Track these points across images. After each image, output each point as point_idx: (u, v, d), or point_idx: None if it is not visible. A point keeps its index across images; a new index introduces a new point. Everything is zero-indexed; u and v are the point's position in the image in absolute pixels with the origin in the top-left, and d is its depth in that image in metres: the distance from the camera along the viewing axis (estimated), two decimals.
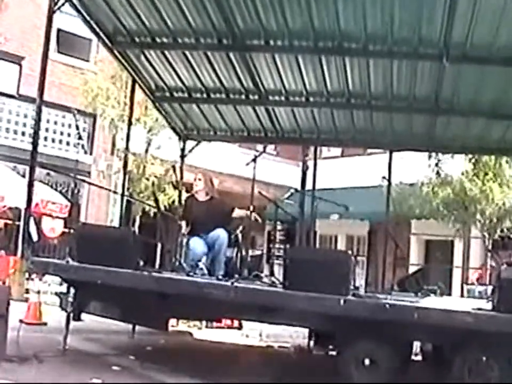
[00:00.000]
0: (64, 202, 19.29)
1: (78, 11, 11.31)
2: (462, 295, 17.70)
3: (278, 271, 10.88)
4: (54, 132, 23.01)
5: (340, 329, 8.73)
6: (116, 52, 12.82)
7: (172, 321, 12.73)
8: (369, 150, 24.22)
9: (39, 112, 10.33)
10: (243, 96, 14.10)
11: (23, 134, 21.98)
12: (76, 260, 9.52)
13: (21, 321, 11.23)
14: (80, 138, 22.67)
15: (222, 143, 19.15)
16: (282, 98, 13.92)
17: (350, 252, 11.70)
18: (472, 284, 19.22)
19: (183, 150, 16.12)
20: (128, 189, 17.75)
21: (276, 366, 10.97)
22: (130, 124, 14.27)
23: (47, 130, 22.41)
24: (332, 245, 29.04)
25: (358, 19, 10.48)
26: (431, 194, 20.85)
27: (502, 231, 20.73)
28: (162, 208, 19.16)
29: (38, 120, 10.42)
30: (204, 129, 15.97)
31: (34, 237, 15.98)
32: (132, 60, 13.14)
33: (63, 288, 10.80)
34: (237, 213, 11.60)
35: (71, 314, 9.75)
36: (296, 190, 17.15)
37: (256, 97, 13.98)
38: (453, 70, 11.72)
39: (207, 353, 12.12)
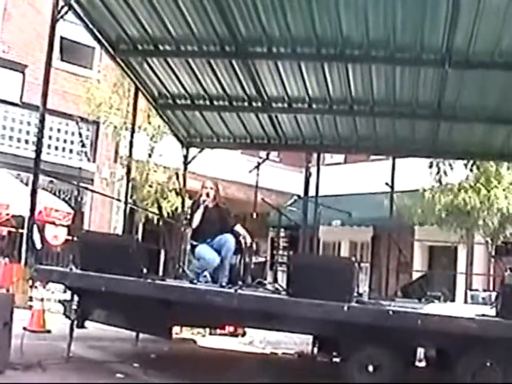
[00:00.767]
0: (68, 210, 19.30)
1: (81, 19, 11.33)
2: (465, 301, 17.65)
3: (282, 278, 10.89)
4: (57, 140, 23.04)
5: (343, 336, 8.73)
6: (118, 59, 12.84)
7: (176, 329, 12.71)
8: (372, 157, 24.21)
9: (42, 120, 10.33)
10: (246, 103, 14.11)
11: (26, 142, 22.02)
12: (79, 268, 9.53)
13: (24, 328, 11.25)
14: (83, 146, 22.72)
15: (225, 150, 19.16)
16: (285, 105, 13.93)
17: (353, 258, 11.71)
18: (476, 290, 19.18)
19: (186, 157, 16.13)
20: (131, 196, 17.76)
21: (279, 373, 10.95)
22: (133, 131, 14.28)
23: (50, 138, 22.45)
24: (335, 252, 29.02)
25: (360, 25, 10.50)
26: (433, 201, 20.82)
27: (505, 237, 20.69)
28: (165, 215, 19.21)
29: (41, 128, 10.43)
30: (206, 136, 15.98)
31: (38, 245, 15.98)
32: (135, 68, 13.16)
33: (67, 296, 10.81)
34: (237, 230, 11.56)
35: (75, 322, 9.75)
36: (299, 196, 17.16)
37: (259, 104, 13.99)
38: (455, 75, 11.73)
39: (211, 360, 12.11)
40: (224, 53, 11.96)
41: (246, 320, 9.85)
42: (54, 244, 19.22)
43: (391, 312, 8.27)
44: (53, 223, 18.45)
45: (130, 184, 15.23)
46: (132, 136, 14.16)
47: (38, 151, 10.30)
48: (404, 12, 9.92)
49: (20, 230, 18.81)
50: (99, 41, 12.15)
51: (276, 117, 14.67)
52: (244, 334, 15.04)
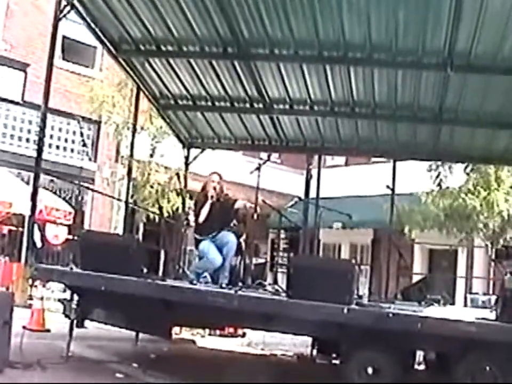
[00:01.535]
0: (68, 209, 19.30)
1: (83, 18, 11.35)
2: (465, 305, 17.65)
3: (282, 280, 10.87)
4: (59, 139, 23.04)
5: (343, 338, 8.73)
6: (120, 59, 12.86)
7: (175, 329, 12.72)
8: (373, 159, 24.21)
9: (44, 119, 10.35)
10: (247, 105, 14.12)
11: (27, 140, 22.02)
12: (79, 267, 9.54)
13: (24, 327, 11.24)
14: (84, 145, 22.72)
15: (226, 151, 19.16)
16: (287, 106, 13.94)
17: (353, 261, 11.70)
18: (476, 293, 19.18)
19: (187, 157, 16.13)
20: (132, 196, 17.76)
21: (278, 374, 10.95)
22: (134, 131, 14.29)
23: (51, 137, 22.43)
24: (335, 254, 29.02)
25: (362, 28, 10.51)
26: (432, 205, 20.81)
27: (505, 240, 20.68)
28: (166, 215, 19.21)
29: (42, 127, 10.44)
30: (208, 137, 15.98)
31: (38, 244, 16.01)
32: (137, 68, 13.18)
33: (67, 295, 10.81)
34: (238, 204, 11.50)
35: (75, 321, 9.76)
36: (299, 198, 17.16)
37: (261, 105, 14.01)
38: (457, 79, 11.74)
39: (210, 361, 12.11)
40: (226, 54, 11.98)
41: (246, 321, 9.86)
42: (55, 243, 19.24)
43: (390, 315, 8.27)
44: (54, 222, 18.48)
45: (131, 184, 15.23)
46: (133, 136, 14.17)
47: (39, 150, 10.31)
48: (406, 15, 9.93)
49: (20, 229, 18.83)
50: (101, 41, 12.16)
51: (277, 118, 14.67)
52: (243, 335, 15.04)
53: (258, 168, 10.85)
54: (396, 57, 11.20)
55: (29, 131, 22.11)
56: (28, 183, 18.50)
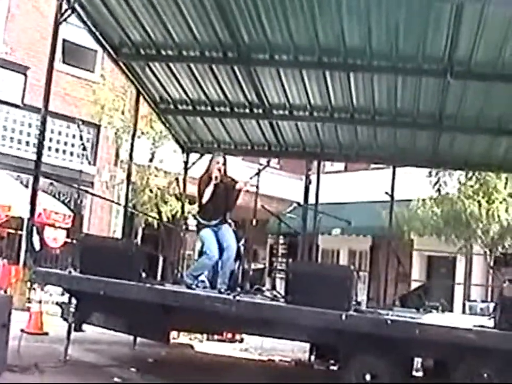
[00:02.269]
0: (67, 212, 19.30)
1: (84, 22, 11.36)
2: (463, 312, 17.66)
3: (280, 285, 10.88)
4: (58, 142, 23.03)
5: (341, 344, 8.73)
6: (121, 63, 12.87)
7: (173, 334, 12.71)
8: (372, 165, 24.21)
9: (43, 122, 10.35)
10: (247, 110, 14.14)
11: (27, 143, 22.01)
12: (78, 271, 9.53)
13: (22, 330, 11.21)
14: (84, 148, 22.70)
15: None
16: (286, 112, 13.96)
17: (352, 267, 11.69)
18: (474, 300, 19.19)
19: (186, 162, 16.13)
20: (131, 200, 17.76)
21: (276, 380, 10.95)
22: (134, 135, 14.29)
23: (51, 140, 22.42)
24: (334, 260, 29.01)
25: (362, 35, 10.52)
26: (430, 211, 20.83)
27: (503, 248, 20.69)
28: (165, 220, 19.22)
29: (42, 130, 10.43)
30: (207, 142, 15.98)
31: (37, 247, 15.97)
32: (137, 72, 13.19)
33: (65, 298, 10.79)
34: (239, 185, 11.25)
35: (73, 325, 9.75)
36: (299, 204, 17.13)
37: (260, 111, 14.02)
38: (457, 86, 11.75)
39: (208, 366, 12.09)
40: (226, 59, 11.99)
41: (244, 327, 9.85)
42: (53, 246, 19.21)
43: (389, 322, 8.26)
44: (53, 225, 18.46)
45: (130, 188, 15.23)
46: (132, 140, 14.17)
47: (39, 153, 10.30)
48: (406, 21, 9.94)
49: (19, 232, 18.81)
50: (102, 45, 12.18)
51: (277, 124, 14.69)
52: (241, 340, 15.02)
53: (257, 174, 10.85)
54: (396, 63, 11.22)
55: (28, 134, 22.09)
56: (27, 186, 18.50)
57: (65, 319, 9.92)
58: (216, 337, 14.81)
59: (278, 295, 10.24)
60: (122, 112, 20.29)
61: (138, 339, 11.54)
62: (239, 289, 10.01)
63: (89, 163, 22.98)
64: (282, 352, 13.73)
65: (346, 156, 16.44)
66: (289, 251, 26.64)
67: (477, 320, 9.33)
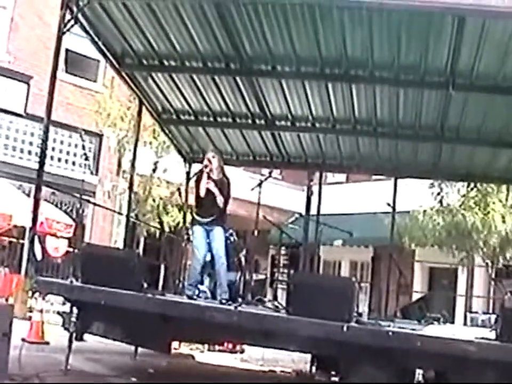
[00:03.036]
0: (69, 221, 19.30)
1: (87, 32, 11.40)
2: (465, 324, 17.64)
3: (281, 296, 10.87)
4: (60, 152, 23.07)
5: (342, 355, 8.71)
6: (123, 73, 12.91)
7: (174, 344, 12.69)
8: (374, 176, 24.22)
9: (46, 132, 10.36)
10: (249, 121, 14.17)
11: (29, 152, 22.05)
12: (79, 280, 9.53)
13: (23, 340, 11.22)
14: (86, 158, 22.74)
15: (227, 166, 19.17)
16: (289, 123, 13.99)
17: (353, 278, 11.68)
18: (476, 312, 19.16)
19: (188, 172, 16.14)
20: (133, 210, 17.77)
21: None
22: (136, 145, 14.31)
23: (53, 149, 22.46)
24: (335, 271, 28.99)
25: (365, 46, 10.56)
26: (432, 222, 20.83)
27: (505, 259, 20.67)
28: (166, 230, 19.21)
29: (45, 139, 10.45)
30: None
31: (38, 256, 15.99)
32: (140, 82, 13.22)
33: (66, 308, 10.79)
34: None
35: (74, 334, 9.73)
36: (300, 214, 17.16)
37: (263, 121, 14.05)
38: (459, 98, 11.78)
39: (209, 376, 12.08)
40: (228, 70, 12.04)
41: (245, 337, 9.82)
42: (55, 255, 19.21)
43: (390, 333, 8.25)
44: (54, 234, 18.46)
45: (132, 198, 15.23)
46: (135, 150, 14.19)
47: (41, 162, 10.30)
48: (408, 33, 9.98)
49: (21, 241, 18.81)
50: (104, 55, 12.21)
51: (279, 135, 14.71)
52: (242, 351, 15.01)
53: (259, 184, 10.86)
54: (398, 75, 11.26)
55: (31, 143, 22.14)
56: (29, 195, 18.51)
57: (66, 329, 9.94)
58: (217, 347, 14.79)
59: (280, 306, 10.24)
60: (128, 121, 20.27)
61: (139, 349, 11.53)
62: (240, 299, 9.99)
63: (91, 173, 23.01)
64: (283, 363, 13.71)
65: (348, 167, 16.44)
66: (291, 262, 26.62)
67: (479, 332, 9.33)
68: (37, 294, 13.11)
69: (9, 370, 8.28)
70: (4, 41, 21.63)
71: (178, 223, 19.50)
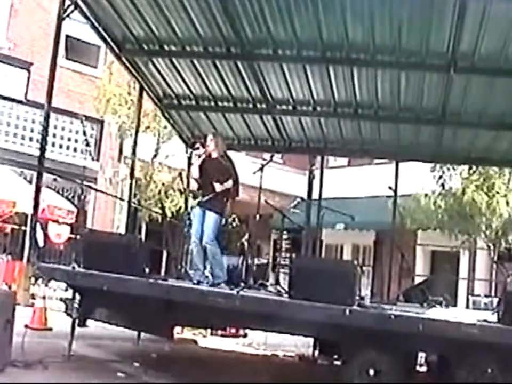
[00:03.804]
0: (71, 208, 19.31)
1: (87, 18, 11.36)
2: (467, 307, 17.64)
3: (284, 280, 10.87)
4: (62, 138, 23.06)
5: (345, 339, 8.72)
6: (124, 59, 12.88)
7: (177, 329, 12.72)
8: (376, 160, 24.19)
9: (47, 118, 10.35)
10: (250, 105, 14.14)
11: (30, 139, 22.05)
12: (82, 266, 9.54)
13: (26, 326, 11.25)
14: (87, 144, 22.74)
15: (228, 151, 19.15)
16: (290, 107, 13.96)
17: (355, 262, 11.68)
18: (478, 295, 19.16)
19: (190, 157, 16.11)
20: (135, 196, 17.76)
21: (280, 375, 10.96)
22: (137, 130, 14.29)
23: (54, 136, 22.46)
24: (337, 255, 29.01)
25: (366, 30, 10.52)
26: (433, 205, 20.82)
27: (507, 242, 20.67)
28: (168, 215, 19.21)
29: (45, 126, 10.45)
30: None
31: (41, 243, 15.99)
32: (140, 67, 13.19)
33: (69, 294, 10.81)
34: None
35: (77, 320, 9.75)
36: (302, 199, 17.15)
37: (264, 106, 14.02)
38: (460, 81, 11.75)
39: (212, 361, 12.10)
40: (229, 54, 12.00)
41: (248, 322, 9.84)
42: (57, 242, 19.23)
43: (392, 317, 8.26)
44: (56, 221, 18.48)
45: (134, 184, 15.22)
46: (136, 135, 14.17)
47: (42, 149, 10.30)
48: (410, 17, 9.94)
49: (23, 227, 18.83)
50: (105, 40, 12.18)
51: (280, 119, 14.68)
52: (245, 335, 15.04)
53: (261, 169, 10.85)
54: (399, 58, 11.21)
55: (32, 130, 22.13)
56: (30, 182, 18.53)
57: (69, 315, 9.94)
58: (220, 332, 14.81)
59: (282, 290, 10.24)
60: (128, 108, 20.25)
61: (142, 334, 11.54)
62: (242, 284, 10.00)
63: (93, 159, 23.04)
64: (286, 347, 13.75)
65: (349, 150, 16.41)
66: (293, 246, 26.66)
67: (481, 315, 9.33)
68: (39, 281, 13.15)
69: (12, 357, 8.32)
70: (4, 27, 21.59)
71: (180, 208, 19.50)
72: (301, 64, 12.14)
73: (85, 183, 19.74)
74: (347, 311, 8.17)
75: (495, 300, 14.55)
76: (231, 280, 10.70)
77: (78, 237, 15.02)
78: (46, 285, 13.79)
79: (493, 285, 22.20)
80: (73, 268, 9.68)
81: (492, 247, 20.91)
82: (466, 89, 12.10)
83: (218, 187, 10.66)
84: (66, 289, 13.03)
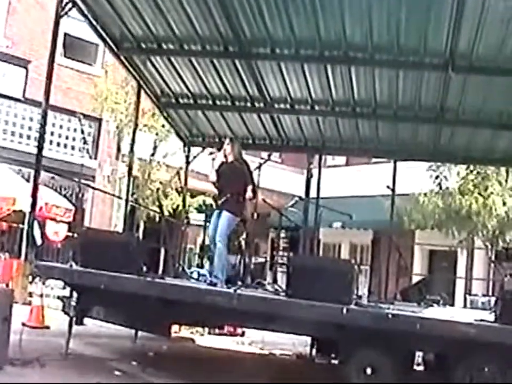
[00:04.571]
0: (68, 206, 19.29)
1: (85, 16, 11.36)
2: (465, 306, 17.65)
3: (281, 279, 10.88)
4: (59, 136, 23.03)
5: (342, 338, 8.73)
6: (122, 57, 12.88)
7: (174, 327, 12.71)
8: (374, 159, 24.18)
9: (44, 116, 10.34)
10: (248, 104, 14.14)
11: (28, 137, 22.02)
12: (79, 265, 9.53)
13: (23, 324, 11.23)
14: (85, 142, 22.72)
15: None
16: (288, 106, 13.96)
17: (353, 261, 11.68)
18: (476, 295, 19.16)
19: (187, 156, 16.13)
20: (133, 194, 17.75)
21: (277, 374, 10.95)
22: (135, 128, 14.29)
23: (52, 134, 22.42)
24: (335, 253, 28.99)
25: (364, 28, 10.52)
26: (430, 205, 20.82)
27: (505, 242, 20.66)
28: (166, 214, 19.21)
29: (43, 124, 10.43)
30: (208, 135, 15.98)
31: (38, 241, 15.99)
32: (138, 66, 13.19)
33: (66, 292, 10.80)
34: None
35: (74, 319, 9.75)
36: (300, 198, 17.13)
37: (262, 104, 14.02)
38: (458, 80, 11.75)
39: (209, 359, 12.10)
40: (227, 53, 11.99)
41: (245, 321, 9.84)
42: (55, 240, 19.21)
43: (390, 316, 8.27)
44: (54, 219, 18.46)
45: (131, 182, 15.22)
46: (134, 134, 14.17)
47: (40, 147, 10.29)
48: (408, 15, 9.94)
49: (21, 225, 18.80)
50: (103, 39, 12.18)
51: (278, 117, 14.69)
52: (242, 334, 15.03)
53: (259, 167, 10.88)
54: (397, 57, 11.21)
55: (29, 128, 22.10)
56: (28, 180, 18.47)
57: (67, 313, 9.93)
58: (217, 331, 14.81)
59: (279, 289, 10.25)
60: (126, 109, 20.25)
61: (140, 333, 11.54)
62: (240, 282, 10.00)
63: (91, 157, 23.02)
64: (283, 346, 13.74)
65: (347, 149, 16.44)
66: (291, 245, 26.65)
67: (478, 314, 9.33)
68: (37, 279, 13.12)
69: (10, 355, 8.31)
70: (2, 25, 21.55)
71: (177, 207, 19.50)
72: (298, 63, 12.14)
73: (82, 181, 19.72)
74: (344, 310, 8.18)
75: (493, 299, 14.54)
76: (229, 279, 10.70)
77: (76, 235, 14.98)
78: (44, 283, 13.76)
79: (490, 284, 22.21)
80: (71, 266, 9.68)
81: (489, 247, 20.91)
82: (464, 88, 12.11)
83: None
84: (63, 288, 12.98)
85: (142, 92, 14.12)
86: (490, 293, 20.35)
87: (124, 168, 19.17)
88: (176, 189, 20.04)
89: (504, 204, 19.76)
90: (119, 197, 20.41)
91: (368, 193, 23.70)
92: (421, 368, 9.55)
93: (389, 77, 12.17)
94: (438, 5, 9.59)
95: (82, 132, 22.38)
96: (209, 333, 14.83)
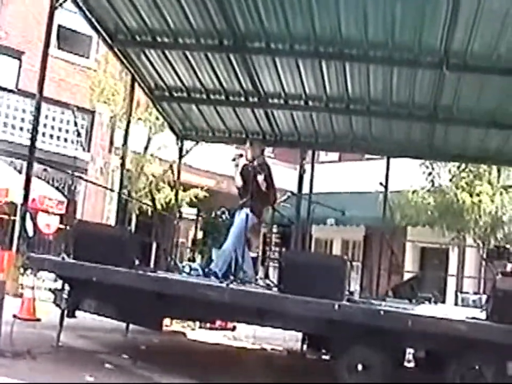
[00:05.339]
0: (61, 198, 19.25)
1: (80, 8, 11.32)
2: (456, 304, 17.69)
3: (273, 274, 10.89)
4: (52, 128, 22.99)
5: (333, 334, 8.74)
6: (116, 49, 12.84)
7: (166, 321, 12.71)
8: (367, 156, 24.21)
9: (38, 108, 10.30)
10: (242, 98, 14.12)
11: (21, 129, 21.98)
12: (71, 257, 9.52)
13: (14, 316, 11.20)
14: (78, 135, 22.68)
15: (219, 144, 19.14)
16: (282, 101, 13.94)
17: (345, 257, 11.69)
18: (467, 292, 19.21)
19: (180, 150, 16.12)
20: (125, 187, 17.73)
21: (267, 369, 10.96)
22: (129, 121, 14.26)
23: (45, 126, 22.39)
24: (327, 249, 29.02)
25: (359, 25, 10.51)
26: (422, 202, 20.86)
27: (496, 240, 20.71)
28: (158, 207, 19.20)
29: (36, 116, 10.38)
30: (202, 130, 15.96)
31: (30, 233, 15.95)
32: (132, 59, 13.16)
33: (58, 285, 10.79)
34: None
35: (65, 311, 9.75)
36: (292, 193, 17.11)
37: (256, 99, 14.00)
38: (452, 78, 11.75)
39: (200, 353, 12.12)
40: (222, 47, 11.97)
41: (237, 315, 9.85)
42: (46, 232, 19.18)
43: (381, 312, 8.29)
44: (46, 211, 18.41)
45: (124, 175, 15.19)
46: (127, 126, 14.14)
47: (33, 139, 10.25)
48: (403, 13, 9.93)
49: (12, 217, 18.76)
50: (97, 31, 12.14)
51: (272, 112, 14.67)
52: (233, 329, 15.04)
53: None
54: (392, 54, 11.21)
55: (22, 119, 22.06)
56: (20, 171, 18.45)
57: (58, 305, 9.92)
58: (208, 325, 14.82)
59: (271, 284, 10.26)
60: (124, 98, 20.20)
61: (131, 326, 11.54)
62: (232, 277, 10.00)
63: (84, 149, 22.99)
64: (275, 341, 13.76)
65: (340, 146, 16.41)
66: (283, 240, 26.65)
67: (469, 312, 9.36)
68: (28, 271, 13.12)
69: (0, 347, 8.30)
70: None
71: (170, 201, 19.48)
72: (293, 58, 12.12)
73: (75, 173, 19.68)
74: (336, 306, 8.20)
75: (484, 298, 14.59)
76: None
77: (68, 227, 14.95)
78: (35, 275, 13.75)
79: (482, 282, 22.25)
80: (63, 258, 9.67)
81: (481, 245, 20.96)
82: (458, 86, 12.11)
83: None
84: (55, 280, 12.98)
85: (136, 84, 14.08)
86: (481, 291, 20.40)
87: (117, 161, 19.14)
88: (169, 183, 20.02)
89: (492, 200, 19.80)
90: (112, 190, 20.39)
91: (360, 190, 23.74)
92: (411, 365, 9.57)
93: (383, 74, 12.16)
94: (433, 2, 9.59)
95: (76, 124, 22.34)
96: (200, 327, 14.85)
